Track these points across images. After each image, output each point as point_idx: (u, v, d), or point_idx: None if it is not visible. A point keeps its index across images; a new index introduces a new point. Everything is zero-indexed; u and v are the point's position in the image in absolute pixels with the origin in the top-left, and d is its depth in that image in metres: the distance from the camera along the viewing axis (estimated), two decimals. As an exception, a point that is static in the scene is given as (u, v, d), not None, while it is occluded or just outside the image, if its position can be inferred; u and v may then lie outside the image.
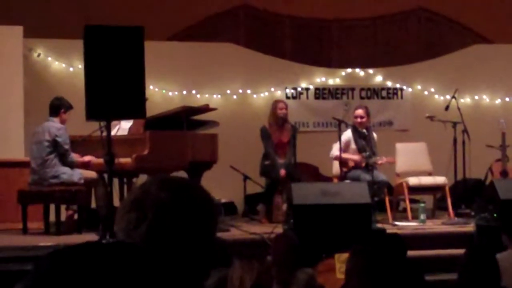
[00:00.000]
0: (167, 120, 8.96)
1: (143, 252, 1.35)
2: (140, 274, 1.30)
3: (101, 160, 8.01)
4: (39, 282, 1.27)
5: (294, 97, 12.53)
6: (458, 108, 10.48)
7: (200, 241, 1.69)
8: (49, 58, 11.48)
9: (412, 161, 10.50)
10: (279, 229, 8.33)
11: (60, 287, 1.26)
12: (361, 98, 12.63)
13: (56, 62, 11.49)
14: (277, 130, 10.19)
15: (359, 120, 10.01)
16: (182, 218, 1.67)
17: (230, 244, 7.58)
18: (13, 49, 10.52)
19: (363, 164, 9.77)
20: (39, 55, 11.37)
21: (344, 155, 9.70)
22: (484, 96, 13.00)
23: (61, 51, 11.45)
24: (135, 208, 1.67)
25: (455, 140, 10.17)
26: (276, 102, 10.47)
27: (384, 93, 12.84)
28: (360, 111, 10.07)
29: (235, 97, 12.33)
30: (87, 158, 8.79)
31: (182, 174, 8.54)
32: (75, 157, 8.77)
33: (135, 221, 1.65)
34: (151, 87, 11.02)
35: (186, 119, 8.98)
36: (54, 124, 8.70)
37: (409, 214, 9.80)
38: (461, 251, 4.70)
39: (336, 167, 10.05)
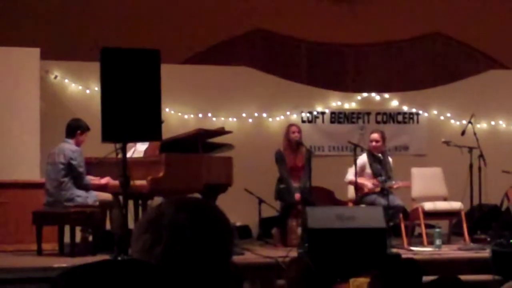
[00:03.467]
0: (183, 142, 8.98)
1: (157, 271, 1.34)
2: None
3: (116, 182, 8.02)
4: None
5: (309, 121, 12.52)
6: (474, 133, 10.46)
7: (216, 263, 1.68)
8: (66, 80, 11.53)
9: (427, 186, 10.44)
10: (293, 253, 8.29)
11: None
12: (377, 122, 12.61)
13: (73, 84, 11.54)
14: (292, 154, 10.19)
15: (374, 144, 10.01)
16: (198, 239, 1.65)
17: (244, 268, 7.56)
18: (30, 71, 10.56)
19: (378, 189, 9.75)
20: (56, 77, 11.41)
21: (360, 180, 9.66)
22: (501, 122, 12.94)
23: (78, 73, 11.50)
24: (150, 229, 1.66)
25: (471, 166, 10.14)
26: (289, 126, 10.49)
27: (400, 118, 12.82)
28: (375, 135, 10.07)
29: (250, 120, 12.33)
30: (103, 180, 8.80)
31: (197, 196, 8.52)
32: (91, 179, 8.79)
33: (150, 242, 1.64)
34: (167, 109, 11.04)
35: (201, 141, 9.00)
36: (69, 146, 8.72)
37: (425, 239, 9.72)
38: (477, 276, 4.67)
39: (351, 191, 10.01)
